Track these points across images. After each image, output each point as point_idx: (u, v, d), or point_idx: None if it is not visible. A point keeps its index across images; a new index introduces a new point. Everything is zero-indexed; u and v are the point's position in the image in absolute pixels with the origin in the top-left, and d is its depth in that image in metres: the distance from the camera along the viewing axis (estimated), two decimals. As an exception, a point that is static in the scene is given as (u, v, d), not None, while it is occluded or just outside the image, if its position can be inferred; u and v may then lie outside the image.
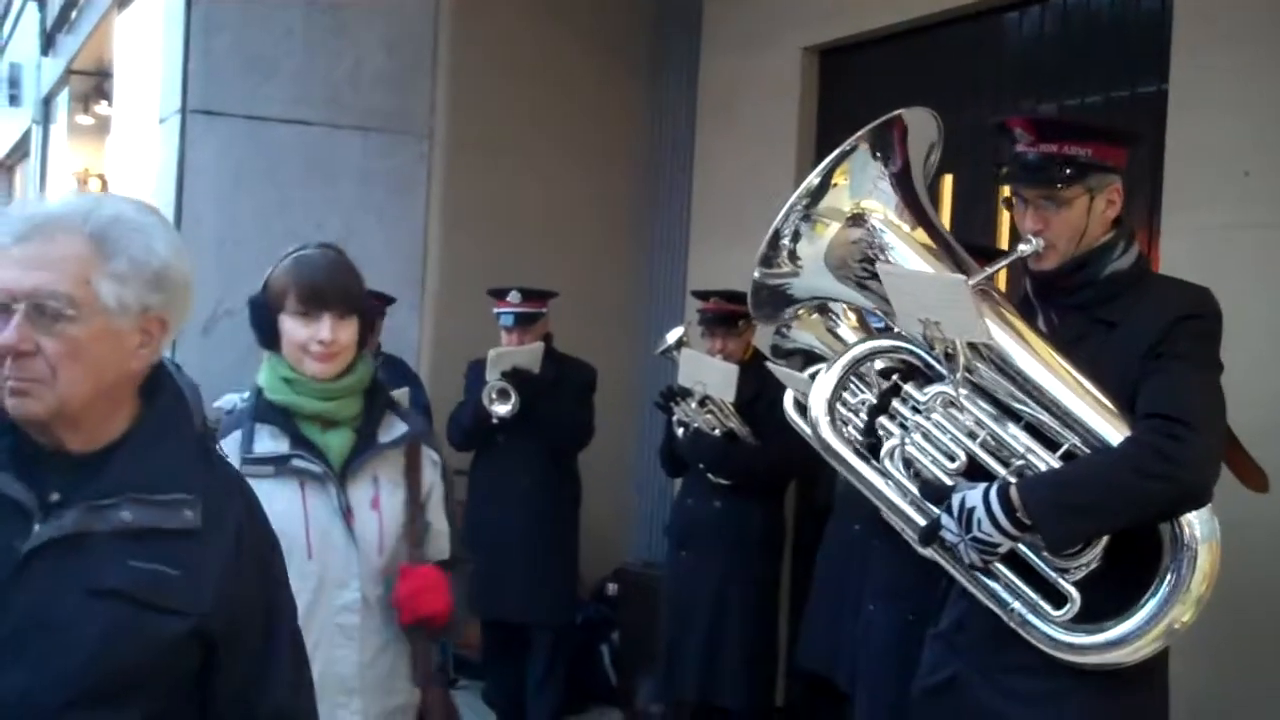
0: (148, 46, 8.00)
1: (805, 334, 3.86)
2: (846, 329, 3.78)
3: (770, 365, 4.13)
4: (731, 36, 6.34)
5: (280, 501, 2.41)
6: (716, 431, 4.82)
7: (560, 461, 5.47)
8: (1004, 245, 4.80)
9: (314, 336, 2.56)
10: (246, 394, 2.68)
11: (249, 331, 5.84)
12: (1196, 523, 2.40)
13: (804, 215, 2.66)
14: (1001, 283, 3.62)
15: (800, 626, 4.66)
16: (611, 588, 6.23)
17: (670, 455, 5.12)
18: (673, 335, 5.09)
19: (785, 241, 2.68)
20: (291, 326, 2.59)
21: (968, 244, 4.45)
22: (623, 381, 6.47)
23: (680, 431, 4.95)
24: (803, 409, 4.06)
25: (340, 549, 2.56)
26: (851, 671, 3.92)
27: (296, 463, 2.55)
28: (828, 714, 4.50)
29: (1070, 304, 2.64)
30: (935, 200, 4.98)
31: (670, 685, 5.06)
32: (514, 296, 5.39)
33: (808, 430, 4.04)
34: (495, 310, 5.43)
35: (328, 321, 2.57)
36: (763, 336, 4.69)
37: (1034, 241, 2.61)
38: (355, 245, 6.11)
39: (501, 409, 5.21)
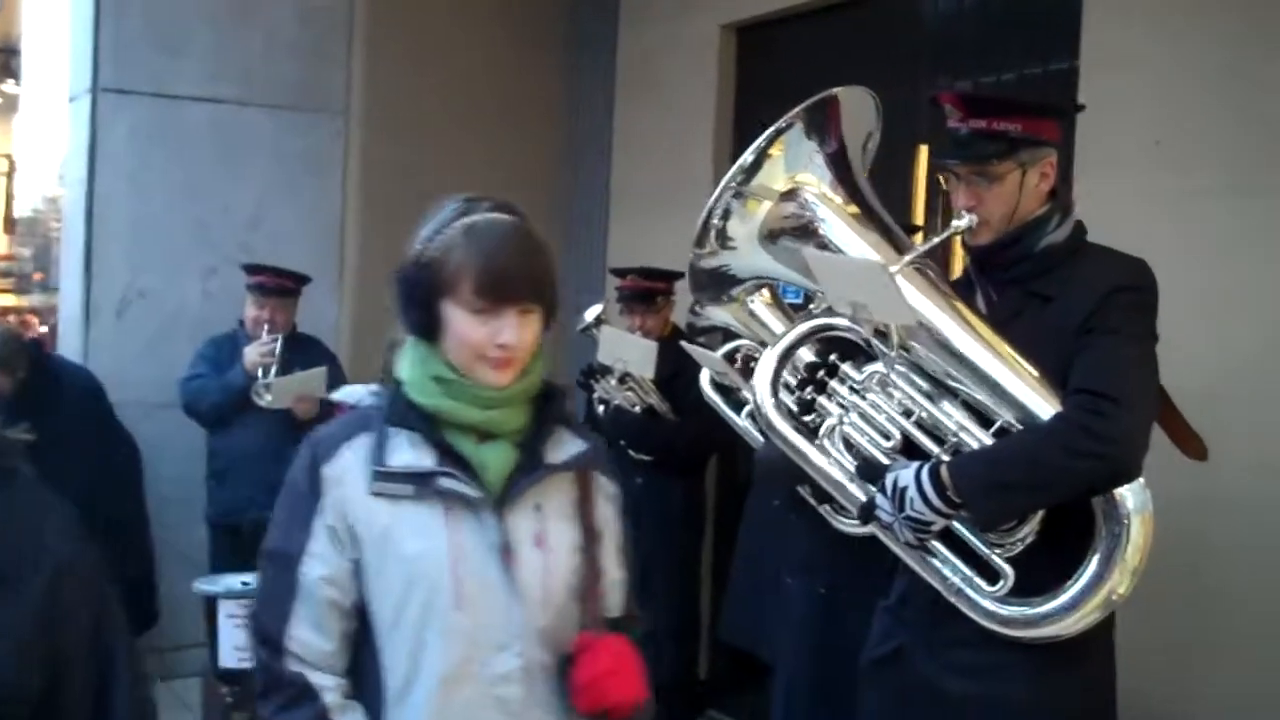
0: (55, 22, 7.75)
1: (720, 312, 3.81)
2: (760, 305, 3.74)
3: (685, 345, 4.09)
4: (650, 12, 6.27)
5: (418, 532, 1.89)
6: (636, 408, 4.76)
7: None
8: (919, 220, 4.82)
9: (493, 338, 1.90)
10: (374, 386, 2.06)
11: (161, 313, 5.90)
12: (1129, 495, 2.38)
13: (736, 193, 2.60)
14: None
15: (722, 601, 4.62)
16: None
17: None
18: (591, 313, 5.05)
19: (716, 221, 2.62)
20: (464, 323, 1.91)
21: (910, 225, 4.51)
22: (545, 359, 6.35)
23: (600, 409, 4.90)
24: (720, 388, 4.08)
25: (498, 598, 1.91)
26: (773, 644, 3.89)
27: (444, 482, 1.90)
28: (751, 686, 4.48)
29: (1007, 279, 2.61)
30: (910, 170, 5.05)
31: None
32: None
33: (727, 409, 4.07)
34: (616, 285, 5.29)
35: (512, 319, 1.91)
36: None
37: (966, 217, 2.58)
38: (269, 225, 6.16)
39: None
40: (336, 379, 5.31)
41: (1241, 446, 3.49)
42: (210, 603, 4.25)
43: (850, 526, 3.31)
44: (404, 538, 1.86)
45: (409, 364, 1.96)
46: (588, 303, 5.49)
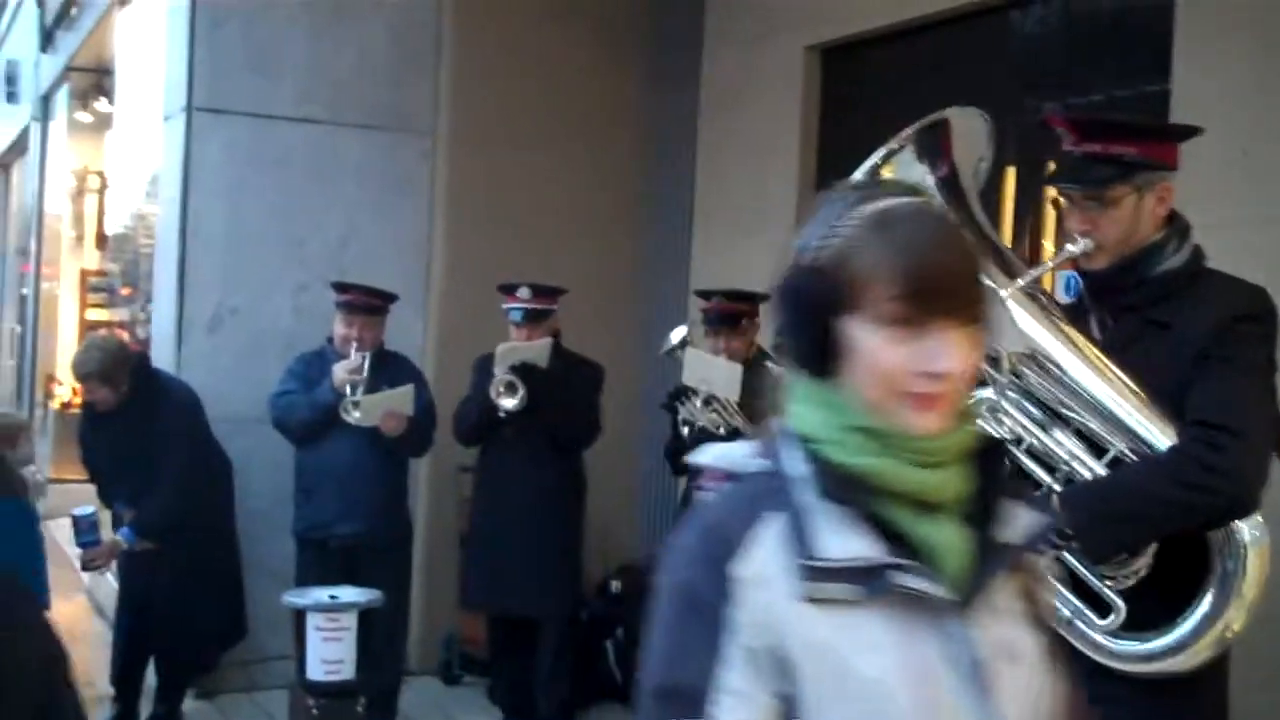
0: (149, 43, 7.85)
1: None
2: None
3: (771, 365, 4.03)
4: (734, 34, 6.22)
5: (872, 648, 1.31)
6: (721, 430, 4.68)
7: (566, 457, 5.36)
8: (1008, 243, 4.72)
9: (921, 364, 1.32)
10: (745, 445, 1.46)
11: (252, 330, 5.94)
12: (1245, 528, 2.31)
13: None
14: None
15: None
16: (615, 585, 6.11)
17: (676, 454, 4.97)
18: (676, 335, 4.98)
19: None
20: (877, 345, 1.33)
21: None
22: (626, 380, 6.34)
23: (685, 431, 4.82)
24: None
25: None
26: None
27: (901, 578, 1.31)
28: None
29: (1123, 305, 2.52)
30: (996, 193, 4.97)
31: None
32: (524, 292, 5.28)
33: None
34: (505, 306, 5.31)
35: (948, 337, 1.32)
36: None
37: (1081, 242, 2.50)
38: (358, 243, 6.19)
39: (509, 402, 5.12)
40: (425, 397, 5.38)
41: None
42: (299, 616, 4.25)
43: None
44: (855, 658, 1.29)
45: (807, 409, 1.39)
46: (671, 324, 5.45)
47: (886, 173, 2.49)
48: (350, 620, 4.24)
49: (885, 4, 5.29)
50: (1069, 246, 2.51)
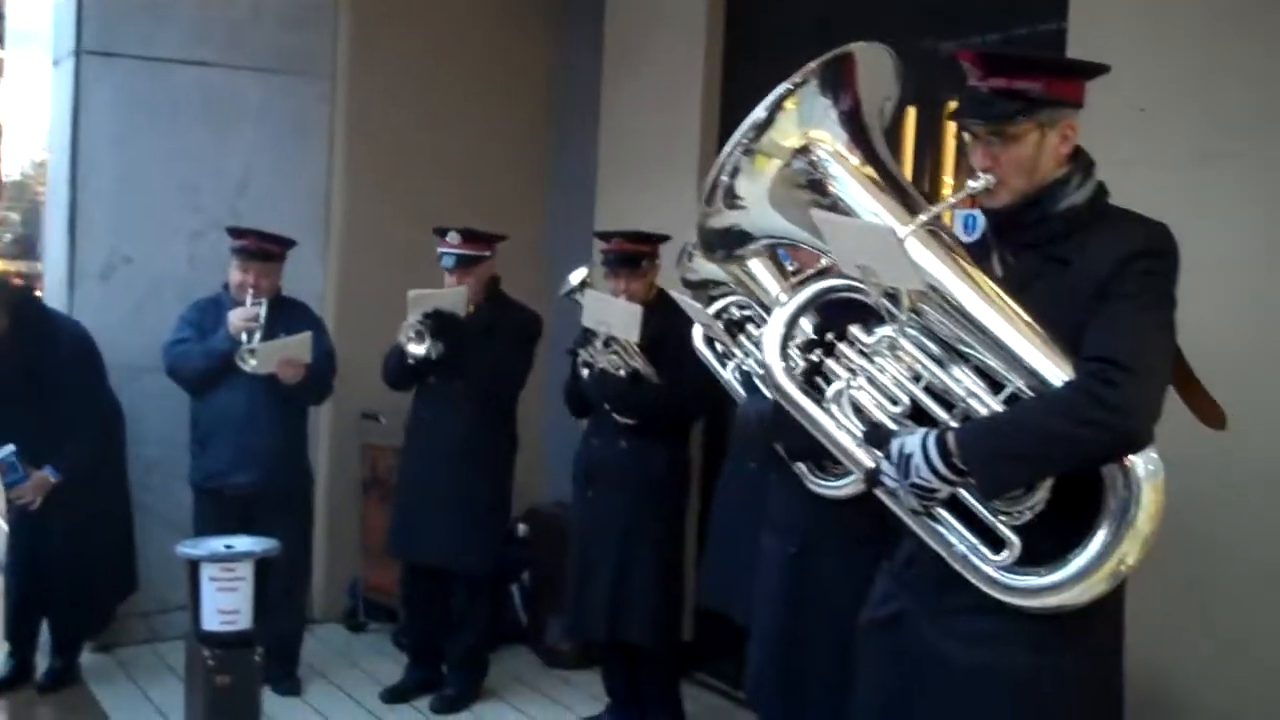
0: (37, -15, 7.50)
1: (712, 266, 3.67)
2: (756, 263, 3.64)
3: (675, 295, 3.96)
4: (638, -23, 6.09)
5: None
6: (621, 372, 4.64)
7: (495, 409, 5.21)
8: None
9: None
10: None
11: (146, 278, 5.70)
12: (1139, 462, 2.26)
13: (746, 150, 2.43)
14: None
15: (700, 564, 4.50)
16: (522, 529, 6.04)
17: (575, 396, 4.94)
18: (575, 276, 4.88)
19: (725, 178, 2.45)
20: None
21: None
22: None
23: (585, 372, 4.76)
24: (710, 342, 3.98)
25: None
26: (746, 605, 3.79)
27: None
28: (733, 650, 4.39)
29: (1025, 242, 2.47)
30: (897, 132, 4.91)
31: (579, 624, 4.92)
32: (453, 237, 5.11)
33: (715, 364, 3.94)
34: (438, 250, 5.13)
35: None
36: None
37: (983, 178, 2.44)
38: (256, 189, 5.96)
39: (417, 349, 4.95)
40: (324, 344, 5.24)
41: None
42: (193, 566, 4.09)
43: (824, 488, 3.28)
44: None
45: None
46: (576, 266, 5.36)
47: (789, 106, 2.40)
48: (246, 570, 4.10)
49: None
50: (971, 183, 2.45)
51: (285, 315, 5.16)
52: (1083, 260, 2.35)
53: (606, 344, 4.64)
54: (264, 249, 5.14)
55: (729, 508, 4.35)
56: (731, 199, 2.47)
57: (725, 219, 2.52)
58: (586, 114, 6.37)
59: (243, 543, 4.26)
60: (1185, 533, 3.20)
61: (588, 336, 4.71)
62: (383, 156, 6.20)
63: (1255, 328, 3.39)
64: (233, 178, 5.98)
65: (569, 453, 5.11)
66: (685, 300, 4.00)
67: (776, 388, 2.52)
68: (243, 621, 4.13)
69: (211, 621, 4.11)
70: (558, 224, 6.60)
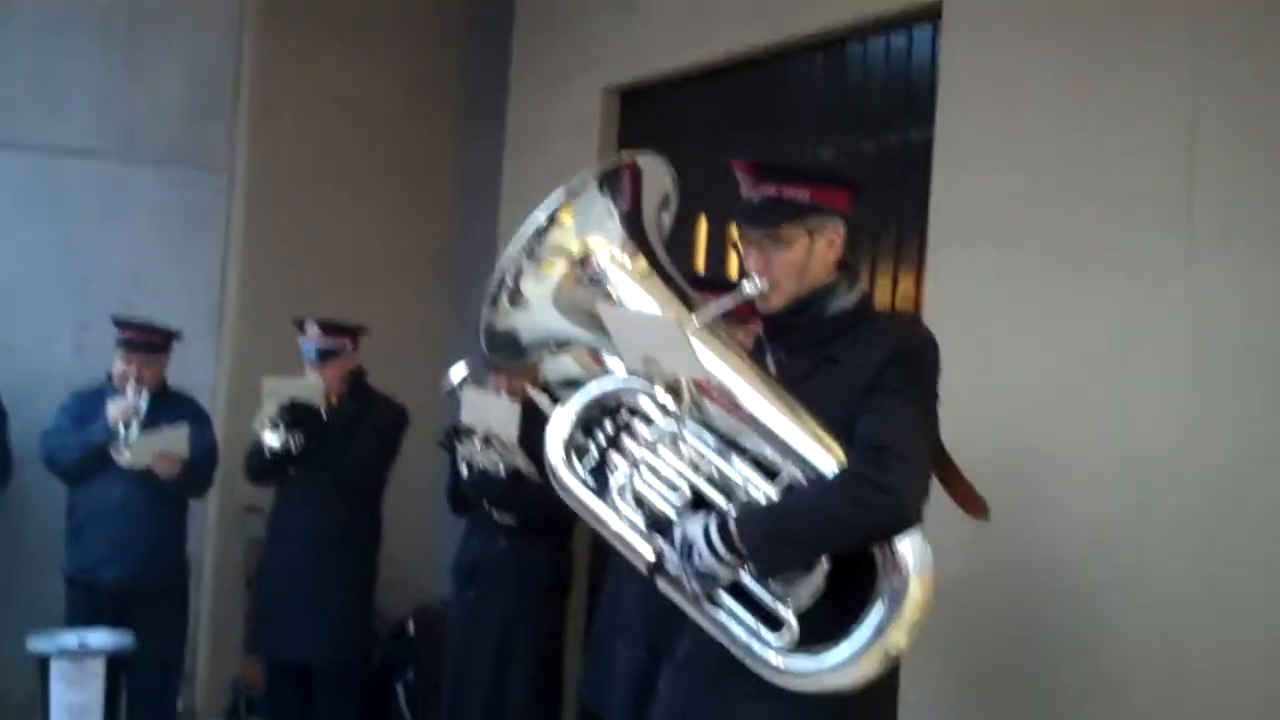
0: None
1: (562, 361, 3.80)
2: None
3: (532, 392, 4.04)
4: (536, 75, 6.37)
5: None
6: (501, 470, 4.72)
7: (358, 499, 5.34)
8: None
9: None
10: None
11: (29, 367, 5.82)
12: (909, 554, 2.43)
13: (529, 253, 2.64)
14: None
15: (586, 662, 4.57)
16: (410, 625, 6.09)
17: (455, 493, 5.05)
18: (455, 374, 4.99)
19: (509, 281, 2.65)
20: None
21: (709, 278, 4.55)
22: (429, 418, 6.31)
23: (464, 470, 4.86)
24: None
25: None
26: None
27: None
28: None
29: (797, 343, 2.68)
30: (690, 244, 5.14)
31: (456, 727, 4.93)
32: (311, 329, 5.29)
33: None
34: (300, 342, 5.30)
35: None
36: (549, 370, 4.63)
37: (758, 282, 2.65)
38: (151, 282, 6.12)
39: (273, 440, 5.07)
40: (205, 438, 5.32)
41: (1072, 514, 3.60)
42: (42, 662, 4.15)
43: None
44: None
45: None
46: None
47: (568, 212, 2.61)
48: (98, 667, 4.17)
49: (678, 48, 5.47)
50: (745, 285, 2.65)
51: (169, 407, 5.26)
52: (851, 359, 2.56)
53: (486, 441, 4.73)
54: (148, 340, 5.26)
55: (609, 604, 4.37)
56: (515, 299, 2.66)
57: (509, 319, 2.70)
58: (487, 211, 6.58)
59: (97, 638, 4.30)
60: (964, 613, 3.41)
61: (463, 433, 4.80)
62: (280, 247, 6.39)
63: (1113, 430, 3.57)
64: (125, 269, 6.14)
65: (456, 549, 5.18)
66: (541, 397, 4.12)
67: (559, 483, 2.68)
68: (94, 720, 4.17)
69: (62, 720, 4.16)
70: (458, 317, 6.73)
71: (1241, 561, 3.21)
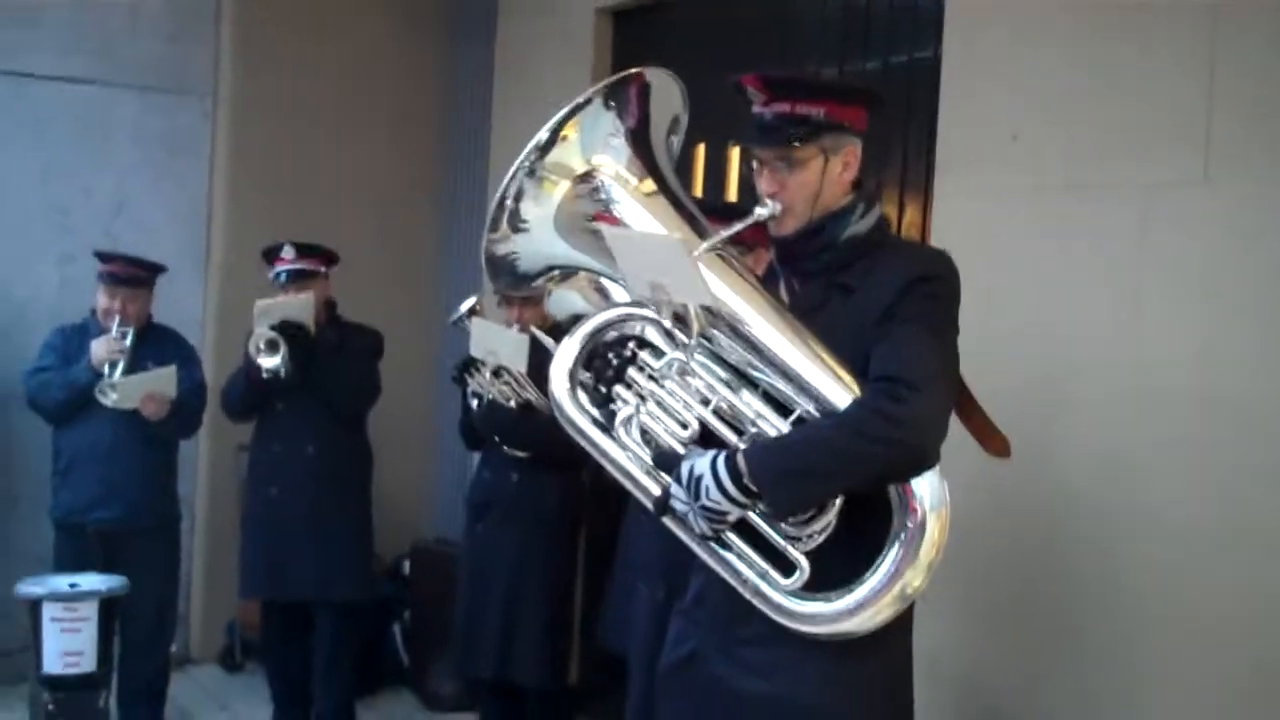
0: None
1: (568, 297, 3.76)
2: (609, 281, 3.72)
3: (537, 334, 4.00)
4: (527, -1, 6.26)
5: None
6: (512, 403, 4.71)
7: (348, 428, 5.30)
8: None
9: None
10: None
11: (12, 302, 5.77)
12: (925, 491, 2.38)
13: (530, 172, 2.57)
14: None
15: (595, 603, 4.60)
16: (406, 565, 6.08)
17: (467, 427, 5.01)
18: (465, 304, 4.95)
19: (510, 203, 2.58)
20: None
21: (724, 205, 4.50)
22: (421, 351, 6.39)
23: (475, 403, 4.83)
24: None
25: None
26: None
27: None
28: (621, 693, 4.43)
29: (810, 269, 2.61)
30: (688, 172, 5.06)
31: (466, 661, 4.96)
32: (288, 251, 5.19)
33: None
34: (271, 271, 5.23)
35: None
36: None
37: (770, 205, 2.57)
38: (133, 211, 6.04)
39: (269, 362, 5.00)
40: (194, 377, 5.28)
41: (1087, 442, 3.56)
42: (34, 606, 4.14)
43: None
44: None
45: None
46: (469, 292, 5.46)
47: (573, 128, 2.55)
48: (90, 610, 4.16)
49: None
50: (758, 209, 2.57)
51: (155, 344, 5.21)
52: (866, 287, 2.50)
53: (496, 374, 4.71)
54: (132, 274, 5.19)
55: (629, 545, 4.33)
56: (516, 223, 2.59)
57: (510, 244, 2.64)
58: (477, 138, 6.51)
59: (89, 580, 4.29)
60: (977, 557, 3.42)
61: (474, 365, 4.77)
62: (267, 177, 6.31)
63: (1127, 357, 3.54)
64: (106, 199, 6.06)
65: (455, 487, 5.17)
66: (548, 339, 4.07)
67: (563, 416, 2.63)
68: (87, 664, 4.16)
69: (54, 664, 4.15)
70: (450, 247, 6.72)
71: (1256, 490, 3.20)
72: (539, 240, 2.63)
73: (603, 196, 2.58)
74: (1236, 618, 3.23)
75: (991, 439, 2.66)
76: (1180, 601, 3.35)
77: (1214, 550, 3.28)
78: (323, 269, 5.27)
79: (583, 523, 5.07)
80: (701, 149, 5.28)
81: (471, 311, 4.90)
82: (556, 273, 2.76)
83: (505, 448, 4.80)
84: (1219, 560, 3.27)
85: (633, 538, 4.16)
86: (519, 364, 4.60)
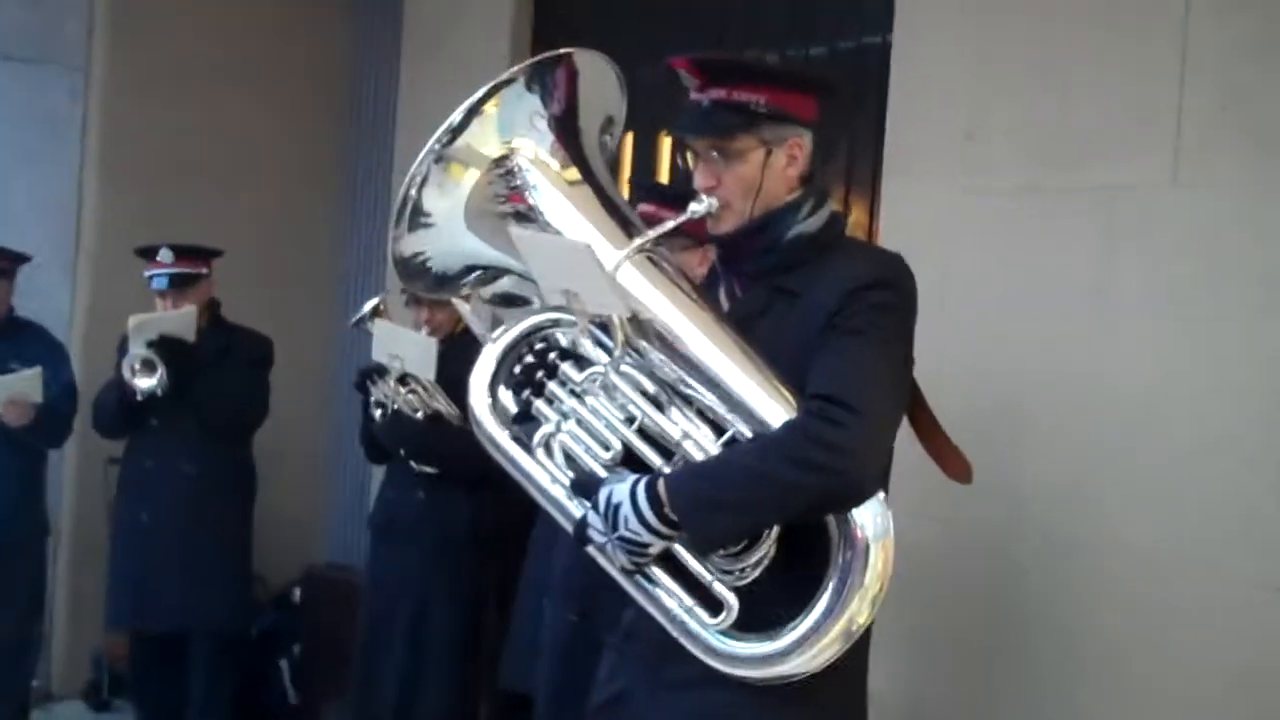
0: None
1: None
2: None
3: (460, 307, 3.93)
4: (440, -34, 6.21)
5: None
6: (419, 413, 4.64)
7: (228, 447, 5.25)
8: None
9: None
10: None
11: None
12: (867, 520, 2.34)
13: (439, 158, 2.53)
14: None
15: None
16: (296, 593, 5.99)
17: (370, 440, 4.93)
18: (368, 304, 4.91)
19: (414, 192, 2.53)
20: None
21: (664, 187, 4.47)
22: (315, 356, 6.33)
23: (378, 414, 4.76)
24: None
25: None
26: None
27: None
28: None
29: (751, 271, 2.58)
30: (615, 164, 5.04)
31: (364, 701, 4.88)
32: (165, 255, 5.11)
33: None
34: (146, 273, 5.15)
35: None
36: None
37: (705, 201, 2.53)
38: (-5, 194, 5.89)
39: (145, 383, 4.95)
40: (62, 378, 5.22)
41: (1043, 462, 3.59)
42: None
43: None
44: None
45: None
46: (371, 292, 5.46)
47: (491, 108, 2.52)
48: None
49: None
50: (692, 205, 2.53)
51: (17, 342, 5.15)
52: (811, 292, 2.45)
53: (402, 381, 4.63)
54: (-10, 264, 5.08)
55: (536, 572, 4.23)
56: (422, 217, 2.53)
57: (418, 242, 2.58)
58: (385, 119, 6.45)
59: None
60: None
61: (377, 372, 4.70)
62: (144, 161, 6.20)
63: (1088, 360, 3.55)
64: (-40, 182, 5.92)
65: (354, 507, 5.12)
66: (474, 323, 3.99)
67: (482, 433, 2.60)
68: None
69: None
70: (351, 242, 6.64)
71: (1221, 510, 3.24)
72: (450, 236, 2.58)
73: (518, 182, 2.54)
74: (1205, 634, 3.25)
75: (951, 461, 2.63)
76: (1146, 622, 3.36)
77: (1177, 569, 3.30)
78: (204, 270, 5.21)
79: (496, 545, 4.96)
80: (630, 139, 5.25)
81: (375, 312, 4.85)
82: (473, 275, 2.72)
83: (411, 463, 4.74)
84: (1183, 578, 3.29)
85: (540, 553, 4.11)
86: (428, 371, 4.55)
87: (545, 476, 2.54)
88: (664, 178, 5.17)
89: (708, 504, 2.31)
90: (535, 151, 2.55)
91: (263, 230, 5.81)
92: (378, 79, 6.53)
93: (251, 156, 6.44)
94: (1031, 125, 3.72)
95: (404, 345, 4.58)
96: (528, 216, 2.53)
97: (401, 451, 4.74)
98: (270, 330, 5.37)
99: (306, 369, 5.87)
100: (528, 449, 2.56)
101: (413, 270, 2.66)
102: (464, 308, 3.96)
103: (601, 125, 2.66)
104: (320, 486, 6.37)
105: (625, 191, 5.09)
